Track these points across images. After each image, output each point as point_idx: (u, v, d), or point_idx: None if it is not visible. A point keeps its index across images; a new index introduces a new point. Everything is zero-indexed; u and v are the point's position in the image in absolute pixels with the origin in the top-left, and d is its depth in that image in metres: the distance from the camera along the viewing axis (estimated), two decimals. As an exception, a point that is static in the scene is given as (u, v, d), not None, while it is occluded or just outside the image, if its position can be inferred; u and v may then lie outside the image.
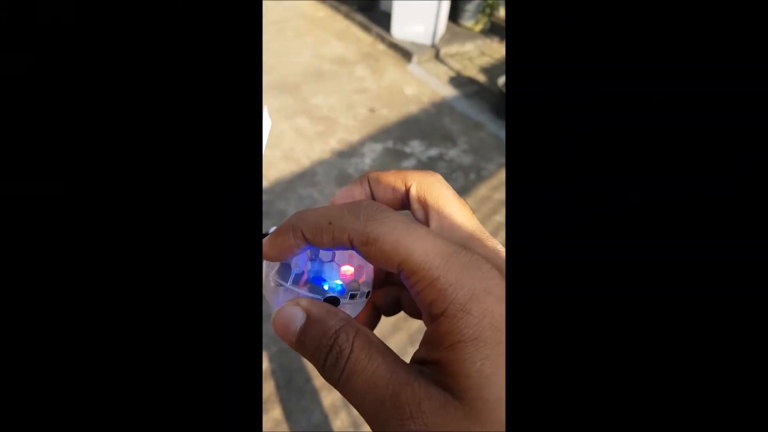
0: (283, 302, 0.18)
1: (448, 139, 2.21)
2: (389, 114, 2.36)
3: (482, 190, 1.92)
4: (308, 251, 0.20)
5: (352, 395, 0.16)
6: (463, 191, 1.90)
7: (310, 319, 0.17)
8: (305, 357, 0.17)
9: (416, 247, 0.15)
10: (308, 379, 1.24)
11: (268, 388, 1.22)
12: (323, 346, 0.16)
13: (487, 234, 0.19)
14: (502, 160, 2.05)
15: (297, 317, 0.17)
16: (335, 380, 0.16)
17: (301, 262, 0.20)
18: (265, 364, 1.26)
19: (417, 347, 0.16)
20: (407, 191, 0.20)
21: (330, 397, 1.21)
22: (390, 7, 3.14)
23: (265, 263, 0.21)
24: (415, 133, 2.23)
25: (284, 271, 0.20)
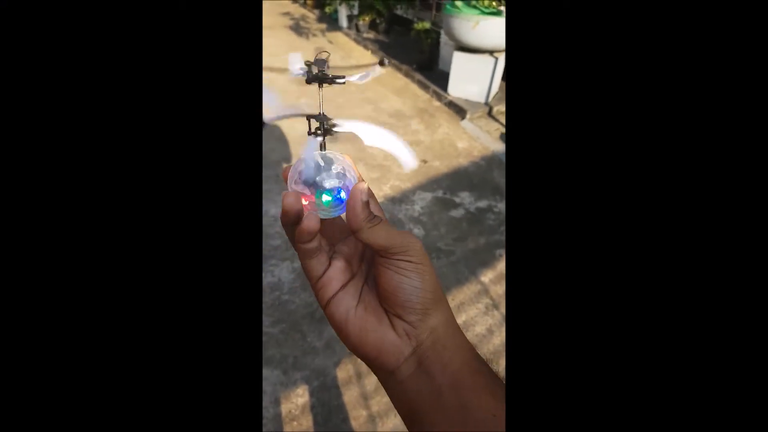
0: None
1: (498, 192, 2.24)
2: (440, 165, 2.45)
3: (531, 243, 1.91)
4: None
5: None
6: (510, 243, 1.89)
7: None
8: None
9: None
10: (345, 419, 1.25)
11: (305, 423, 1.24)
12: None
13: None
14: (553, 215, 2.02)
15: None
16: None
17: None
18: (305, 399, 1.29)
19: None
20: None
21: (365, 439, 1.20)
22: (448, 67, 3.33)
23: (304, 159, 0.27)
24: (465, 185, 2.28)
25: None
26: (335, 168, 0.27)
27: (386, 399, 1.28)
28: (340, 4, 4.70)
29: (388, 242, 0.24)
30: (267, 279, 1.67)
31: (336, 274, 0.26)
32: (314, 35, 4.75)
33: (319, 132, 0.27)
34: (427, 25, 3.80)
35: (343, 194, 0.26)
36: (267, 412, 1.24)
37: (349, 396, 1.30)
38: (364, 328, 0.25)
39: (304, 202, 0.26)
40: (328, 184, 0.26)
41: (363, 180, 0.27)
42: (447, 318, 0.25)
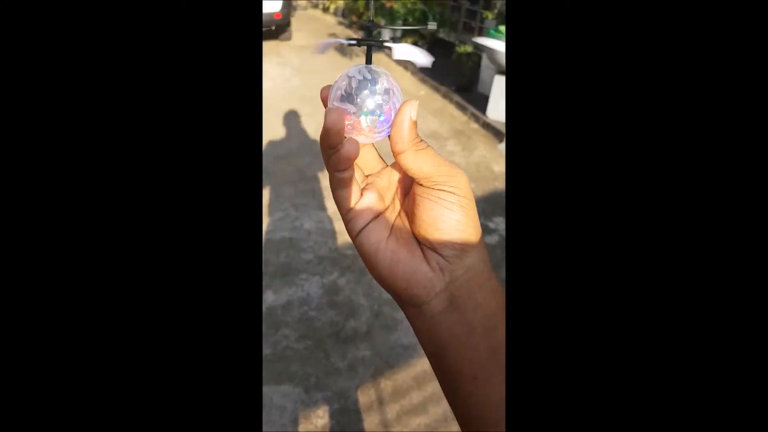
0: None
1: (535, 219, 2.17)
2: (475, 188, 2.41)
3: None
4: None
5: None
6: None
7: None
8: None
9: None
10: (364, 445, 1.22)
11: (324, 445, 1.22)
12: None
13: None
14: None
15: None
16: None
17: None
18: (325, 420, 1.27)
19: None
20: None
21: (383, 469, 1.16)
22: (487, 89, 3.31)
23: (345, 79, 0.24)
24: (501, 210, 2.23)
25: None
26: (381, 83, 0.24)
27: (407, 430, 1.24)
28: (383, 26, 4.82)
29: (434, 169, 0.23)
30: (297, 293, 1.68)
31: (368, 205, 0.25)
32: (357, 56, 4.87)
33: (366, 42, 0.25)
34: (469, 48, 3.81)
35: (384, 117, 0.24)
36: (286, 430, 1.23)
37: (370, 423, 1.26)
38: (395, 259, 0.24)
39: (347, 122, 0.23)
40: (373, 101, 0.23)
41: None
42: (484, 259, 0.24)
